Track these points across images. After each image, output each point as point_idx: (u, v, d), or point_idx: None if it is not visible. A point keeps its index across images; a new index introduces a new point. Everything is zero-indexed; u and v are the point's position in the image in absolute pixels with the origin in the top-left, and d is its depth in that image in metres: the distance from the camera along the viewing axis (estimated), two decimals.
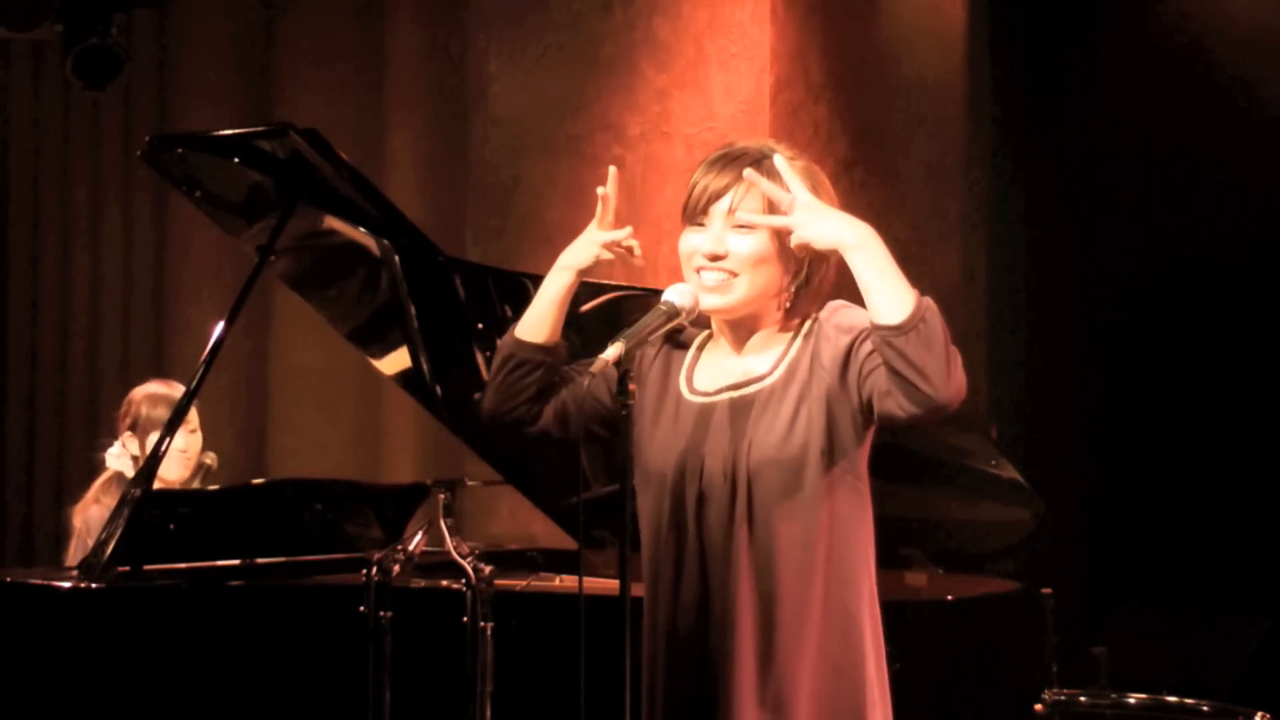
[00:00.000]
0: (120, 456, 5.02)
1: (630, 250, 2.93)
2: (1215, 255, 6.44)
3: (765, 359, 2.85)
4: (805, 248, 2.79)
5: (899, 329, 2.64)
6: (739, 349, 2.88)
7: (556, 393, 2.94)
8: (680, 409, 2.87)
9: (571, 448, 2.99)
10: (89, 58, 6.94)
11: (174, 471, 4.95)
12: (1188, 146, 6.48)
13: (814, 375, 2.79)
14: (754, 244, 2.80)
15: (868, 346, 2.73)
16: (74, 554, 4.91)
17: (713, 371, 2.89)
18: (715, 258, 2.80)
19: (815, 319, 2.86)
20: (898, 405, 2.68)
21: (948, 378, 2.64)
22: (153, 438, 4.92)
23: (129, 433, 5.03)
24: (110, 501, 4.89)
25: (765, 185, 2.75)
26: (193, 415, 5.00)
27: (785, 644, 2.76)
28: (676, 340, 2.95)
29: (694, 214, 2.84)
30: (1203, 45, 6.51)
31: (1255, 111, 6.40)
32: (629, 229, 2.93)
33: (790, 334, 2.86)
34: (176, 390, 5.07)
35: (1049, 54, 6.92)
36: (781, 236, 2.80)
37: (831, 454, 2.77)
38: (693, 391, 2.88)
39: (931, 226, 6.67)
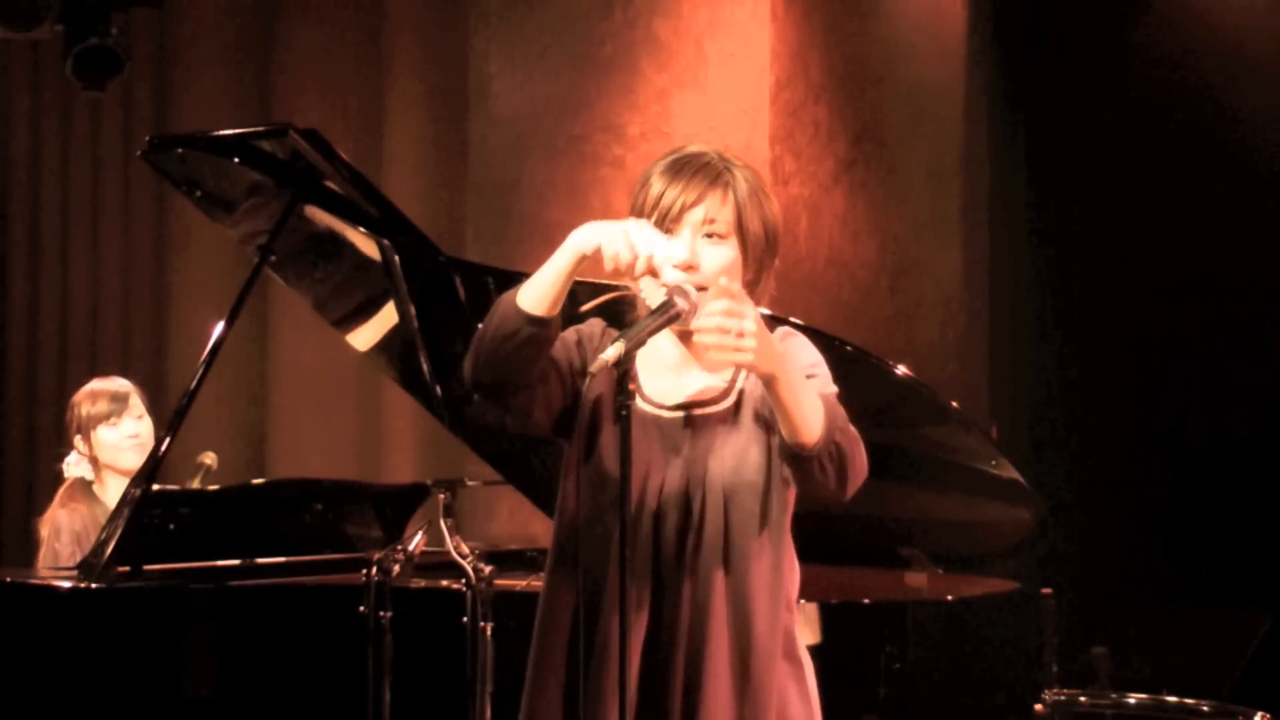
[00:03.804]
0: (78, 463, 4.95)
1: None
2: (1215, 255, 6.44)
3: (719, 376, 2.84)
4: (762, 256, 2.80)
5: (810, 452, 2.65)
6: (683, 358, 2.86)
7: (546, 376, 2.82)
8: (636, 417, 2.79)
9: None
10: (89, 58, 6.95)
11: (128, 460, 4.84)
12: (1186, 145, 6.48)
13: (763, 399, 2.78)
14: (723, 256, 2.78)
15: None
16: (44, 560, 4.88)
17: (664, 381, 2.86)
18: (688, 267, 2.78)
19: None
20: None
21: (845, 489, 2.70)
22: (100, 430, 4.90)
23: (78, 437, 4.97)
24: (76, 506, 4.88)
25: (714, 338, 2.60)
26: (136, 402, 4.96)
27: (759, 669, 2.76)
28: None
29: (664, 221, 2.80)
30: (1197, 46, 6.51)
31: (1249, 110, 6.41)
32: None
33: None
34: (113, 382, 5.05)
35: (1048, 54, 6.92)
36: (756, 246, 2.79)
37: (785, 475, 2.78)
38: (646, 400, 2.84)
39: (931, 226, 6.67)
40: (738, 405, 2.81)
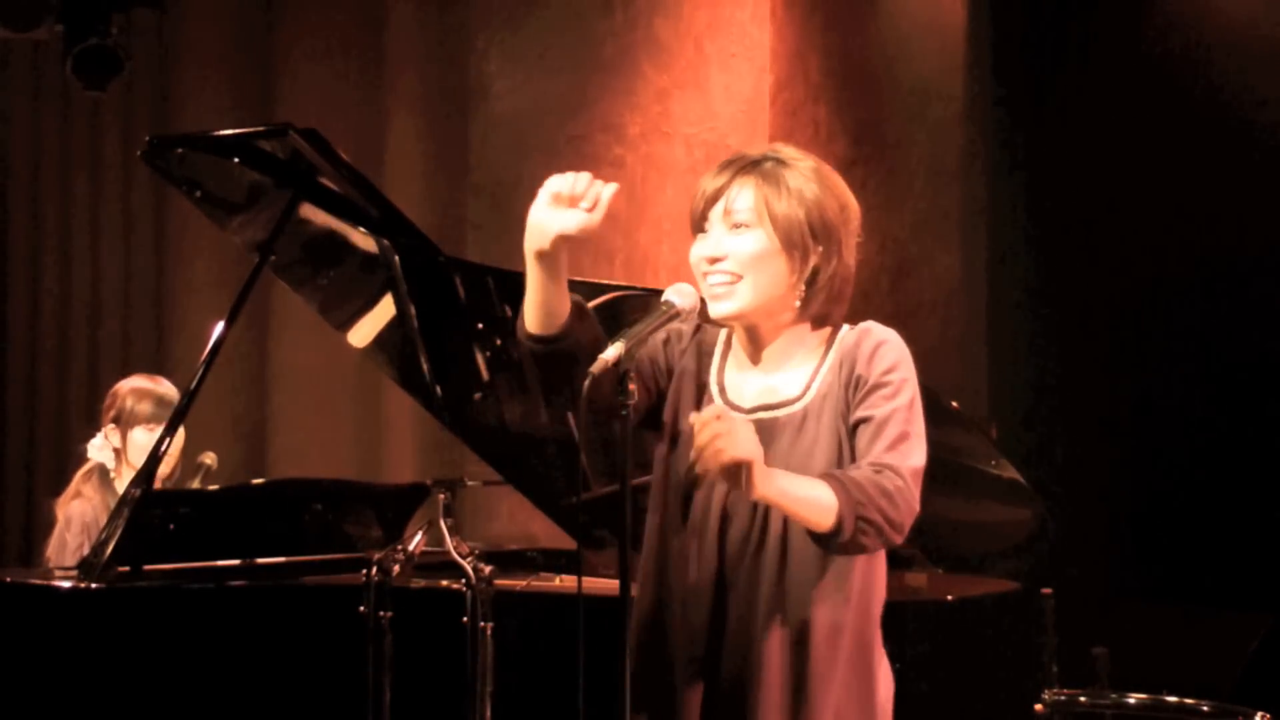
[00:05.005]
0: (102, 448, 5.03)
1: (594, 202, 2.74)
2: (1215, 254, 6.44)
3: (794, 378, 2.81)
4: (804, 241, 2.78)
5: (834, 538, 2.63)
6: (759, 359, 2.83)
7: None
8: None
9: (571, 448, 2.98)
10: (89, 58, 6.95)
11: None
12: (1187, 146, 6.47)
13: (841, 401, 2.76)
14: (752, 242, 2.76)
15: (864, 409, 2.73)
16: (53, 547, 4.93)
17: (740, 382, 2.84)
18: (714, 260, 2.76)
19: (841, 336, 2.83)
20: None
21: (896, 541, 2.68)
22: (136, 431, 4.98)
23: (112, 425, 5.04)
24: (91, 494, 4.93)
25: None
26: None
27: (816, 682, 2.74)
28: (704, 332, 2.89)
29: (697, 222, 2.80)
30: (1200, 46, 6.51)
31: (1252, 111, 6.40)
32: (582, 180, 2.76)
33: (817, 350, 2.82)
34: (162, 386, 5.10)
35: (1048, 54, 6.92)
36: (787, 231, 2.77)
37: None
38: (725, 400, 2.82)
39: (931, 226, 6.66)
40: (807, 410, 2.78)
